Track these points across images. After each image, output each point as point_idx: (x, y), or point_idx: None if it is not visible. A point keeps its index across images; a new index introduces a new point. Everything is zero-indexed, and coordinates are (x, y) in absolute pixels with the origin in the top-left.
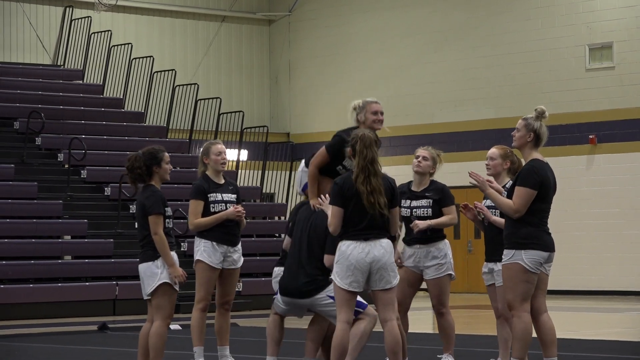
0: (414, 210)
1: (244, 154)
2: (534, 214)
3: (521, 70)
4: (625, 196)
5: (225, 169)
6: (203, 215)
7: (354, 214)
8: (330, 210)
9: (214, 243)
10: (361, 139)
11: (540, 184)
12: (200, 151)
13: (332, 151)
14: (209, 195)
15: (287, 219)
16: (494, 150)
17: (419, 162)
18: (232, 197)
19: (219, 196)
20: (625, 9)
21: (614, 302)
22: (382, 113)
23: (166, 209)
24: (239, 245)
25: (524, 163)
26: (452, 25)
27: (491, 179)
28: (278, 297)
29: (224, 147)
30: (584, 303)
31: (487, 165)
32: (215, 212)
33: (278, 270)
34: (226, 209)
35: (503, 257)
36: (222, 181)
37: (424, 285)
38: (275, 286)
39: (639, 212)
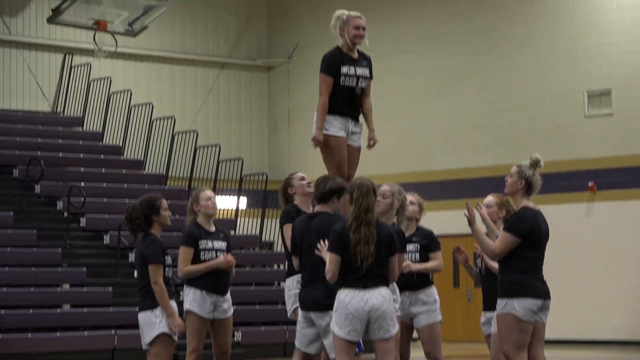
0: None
1: (243, 202)
2: (524, 261)
3: (520, 116)
4: (625, 243)
5: (216, 214)
6: (193, 263)
7: (352, 262)
8: (328, 257)
9: (204, 292)
10: (359, 186)
11: (529, 232)
12: (189, 200)
13: (327, 68)
14: (199, 242)
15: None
16: (490, 198)
17: (407, 207)
18: (223, 245)
19: (209, 244)
20: (624, 55)
21: (615, 351)
22: (364, 28)
23: (166, 257)
24: (229, 295)
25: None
26: (451, 70)
27: (484, 213)
28: (298, 322)
29: (212, 192)
30: (583, 353)
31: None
32: (205, 260)
33: (289, 282)
34: (216, 257)
35: (497, 306)
36: (213, 228)
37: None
38: (289, 301)
39: (638, 259)
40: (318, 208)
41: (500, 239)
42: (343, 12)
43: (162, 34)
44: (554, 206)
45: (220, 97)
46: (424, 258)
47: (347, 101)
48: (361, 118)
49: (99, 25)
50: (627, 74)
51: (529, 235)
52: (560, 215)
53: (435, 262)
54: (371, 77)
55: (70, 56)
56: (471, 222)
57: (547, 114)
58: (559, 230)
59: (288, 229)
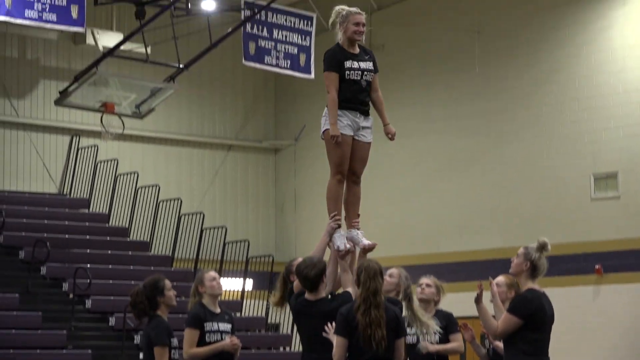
0: (420, 337)
1: (249, 284)
2: (529, 344)
3: (527, 199)
4: (632, 327)
5: (222, 294)
6: (198, 345)
7: (358, 345)
8: (335, 340)
9: None
10: (366, 269)
11: (532, 315)
12: (193, 283)
13: (330, 64)
14: (205, 324)
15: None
16: (500, 278)
17: (423, 289)
18: (228, 327)
19: (215, 326)
20: (629, 138)
21: None
22: (364, 25)
23: (172, 339)
24: None
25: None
26: (459, 153)
27: (496, 291)
28: None
29: (216, 273)
30: None
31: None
32: (210, 342)
33: None
34: (222, 339)
35: None
36: (218, 310)
37: None
38: None
39: None
40: (312, 296)
41: (502, 320)
42: (343, 8)
43: (169, 116)
44: (561, 289)
45: (227, 179)
46: (443, 340)
47: (354, 95)
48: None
49: (106, 108)
50: (633, 157)
51: (532, 318)
52: (568, 298)
53: (455, 343)
54: (376, 70)
55: (78, 138)
56: (478, 300)
57: (554, 196)
58: (566, 313)
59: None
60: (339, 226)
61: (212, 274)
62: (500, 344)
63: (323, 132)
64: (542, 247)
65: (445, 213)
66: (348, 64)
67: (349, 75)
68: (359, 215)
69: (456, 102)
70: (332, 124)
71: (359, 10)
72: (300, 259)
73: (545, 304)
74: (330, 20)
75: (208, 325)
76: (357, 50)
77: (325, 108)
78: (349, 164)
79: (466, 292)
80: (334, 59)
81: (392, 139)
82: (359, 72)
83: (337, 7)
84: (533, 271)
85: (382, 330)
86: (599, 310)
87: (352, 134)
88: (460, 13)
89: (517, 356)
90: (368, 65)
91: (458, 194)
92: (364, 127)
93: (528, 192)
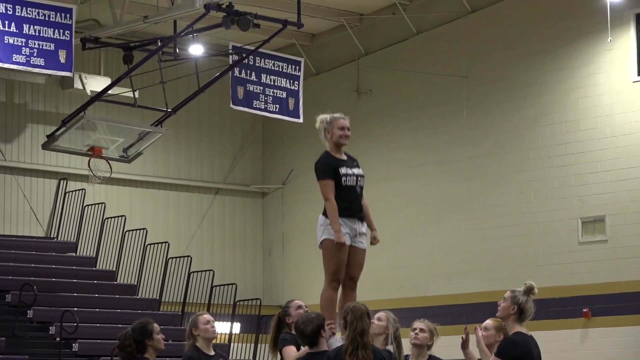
0: None
1: (236, 327)
2: None
3: (514, 242)
4: None
5: (215, 338)
6: None
7: None
8: None
9: None
10: (352, 310)
11: (519, 358)
12: (187, 326)
13: (326, 172)
14: None
15: None
16: (488, 322)
17: (417, 334)
18: None
19: None
20: (617, 182)
21: None
22: (348, 129)
23: None
24: None
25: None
26: (447, 197)
27: (480, 336)
28: None
29: (210, 316)
30: None
31: (478, 334)
32: None
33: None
34: None
35: None
36: (213, 352)
37: None
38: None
39: None
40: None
41: None
42: (326, 116)
43: (156, 160)
44: (549, 332)
45: (214, 222)
46: None
47: (351, 202)
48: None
49: (94, 152)
50: (620, 201)
51: None
52: (555, 341)
53: None
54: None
55: (65, 182)
56: (464, 345)
57: (542, 240)
58: (554, 357)
59: (290, 350)
60: (334, 334)
61: (207, 317)
62: None
63: (321, 242)
64: (529, 291)
65: (433, 257)
66: (343, 170)
67: (346, 181)
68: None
69: (444, 146)
70: (337, 231)
71: (342, 115)
72: (297, 301)
73: (533, 348)
74: (316, 126)
75: None
76: (344, 157)
77: (321, 217)
78: (345, 270)
79: (453, 335)
80: (328, 166)
81: (374, 244)
82: (354, 177)
83: (320, 116)
84: (520, 314)
85: None
86: (586, 354)
87: (349, 242)
88: (447, 58)
89: None
90: (359, 171)
91: (446, 237)
92: (360, 234)
93: (516, 236)
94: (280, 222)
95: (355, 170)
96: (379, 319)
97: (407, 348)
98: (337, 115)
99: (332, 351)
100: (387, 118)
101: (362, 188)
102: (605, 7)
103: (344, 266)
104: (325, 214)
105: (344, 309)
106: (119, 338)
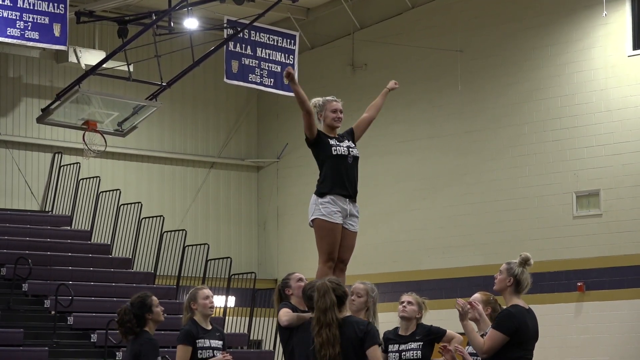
0: (403, 353)
1: (231, 301)
2: None
3: (509, 217)
4: (615, 344)
5: (213, 313)
6: None
7: None
8: None
9: None
10: (317, 288)
11: (516, 331)
12: (186, 298)
13: (313, 143)
14: (197, 341)
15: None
16: (477, 296)
17: (404, 307)
18: (219, 343)
19: (206, 342)
20: (611, 157)
21: None
22: (341, 111)
23: (158, 358)
24: None
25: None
26: (441, 171)
27: (477, 306)
28: None
29: (210, 291)
30: None
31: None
32: (202, 359)
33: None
34: (213, 355)
35: None
36: (210, 327)
37: None
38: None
39: (628, 359)
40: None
41: (488, 337)
42: (318, 100)
43: (151, 134)
44: (543, 306)
45: (209, 197)
46: (427, 355)
47: (342, 175)
48: (359, 199)
49: (89, 125)
50: (615, 176)
51: (516, 334)
52: (549, 315)
53: (455, 338)
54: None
55: (60, 155)
56: (463, 317)
57: (536, 214)
58: (548, 330)
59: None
60: None
61: (206, 292)
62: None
63: (312, 220)
64: (524, 262)
65: (428, 231)
66: (333, 142)
67: (336, 150)
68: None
69: (438, 120)
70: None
71: (335, 98)
72: (297, 274)
73: (529, 321)
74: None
75: (200, 342)
76: (336, 134)
77: (313, 196)
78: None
79: (447, 309)
80: (320, 135)
81: (395, 84)
82: (345, 148)
83: (313, 99)
84: (517, 286)
85: (336, 349)
86: (581, 328)
87: (341, 221)
88: (442, 32)
89: None
90: (350, 143)
91: (440, 212)
92: (351, 215)
93: (510, 210)
94: (275, 196)
95: (346, 143)
96: (358, 295)
97: (396, 321)
98: (329, 98)
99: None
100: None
101: (355, 158)
102: None
103: (337, 245)
104: (318, 194)
105: (308, 289)
106: (119, 313)
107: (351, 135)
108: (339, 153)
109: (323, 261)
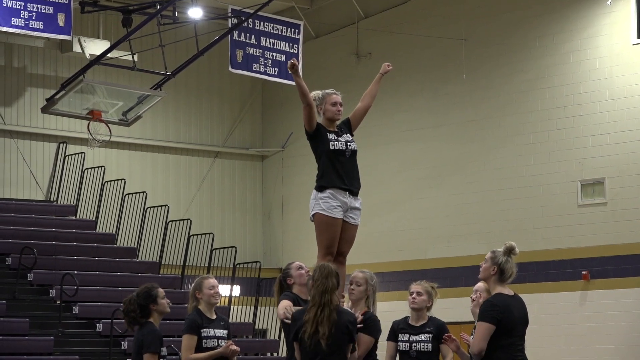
0: (414, 344)
1: (236, 290)
2: (501, 350)
3: (513, 205)
4: (619, 332)
5: (218, 303)
6: (195, 351)
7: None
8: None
9: None
10: (320, 268)
11: (500, 319)
12: (192, 286)
13: (312, 137)
14: (201, 331)
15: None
16: (480, 284)
17: (414, 298)
18: (224, 332)
19: (211, 332)
20: (616, 145)
21: None
22: (340, 104)
23: (162, 348)
24: None
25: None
26: (446, 160)
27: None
28: None
29: (216, 281)
30: None
31: (472, 297)
32: (207, 348)
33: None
34: (218, 345)
35: None
36: (214, 316)
37: None
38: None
39: (633, 348)
40: None
41: (476, 333)
42: (318, 93)
43: (156, 123)
44: (548, 294)
45: (214, 186)
46: (435, 348)
47: (340, 170)
48: (364, 187)
49: (93, 115)
50: (620, 164)
51: (501, 322)
52: (554, 304)
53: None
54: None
55: (65, 145)
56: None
57: (541, 203)
58: (553, 319)
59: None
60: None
61: (212, 282)
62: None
63: (313, 215)
64: (509, 251)
65: (433, 219)
66: (332, 136)
67: (334, 145)
68: (343, 296)
69: (443, 109)
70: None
71: (334, 91)
72: (297, 262)
73: (514, 308)
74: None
75: (205, 332)
76: (335, 129)
77: (314, 192)
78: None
79: (452, 298)
80: (321, 127)
81: (389, 66)
82: (343, 143)
83: (313, 92)
84: (501, 275)
85: (325, 329)
86: (585, 316)
87: (341, 216)
88: (447, 21)
89: None
90: (348, 136)
91: (445, 200)
92: (352, 208)
93: (515, 199)
94: (279, 185)
95: (345, 137)
96: (357, 284)
97: (406, 311)
98: (329, 91)
99: (296, 312)
100: (386, 81)
101: (353, 152)
102: None
103: (337, 240)
104: (318, 188)
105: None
106: (124, 303)
107: (348, 126)
108: (336, 148)
109: (322, 255)
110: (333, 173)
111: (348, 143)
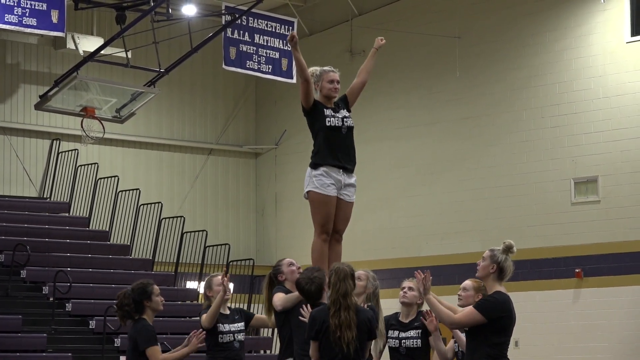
0: (403, 341)
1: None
2: (494, 347)
3: (507, 203)
4: (612, 330)
5: (230, 299)
6: (210, 346)
7: (327, 347)
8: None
9: None
10: (336, 271)
11: (498, 318)
12: (203, 286)
13: (309, 112)
14: (217, 325)
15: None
16: (468, 282)
17: (405, 293)
18: (239, 325)
19: (226, 327)
20: (610, 143)
21: None
22: (338, 82)
23: (157, 344)
24: None
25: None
26: (440, 157)
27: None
28: None
29: (224, 278)
30: None
31: (459, 295)
32: (223, 343)
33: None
34: (234, 339)
35: None
36: (228, 311)
37: None
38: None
39: (626, 346)
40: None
41: (466, 313)
42: (316, 69)
43: (149, 120)
44: (542, 292)
45: (207, 183)
46: (425, 343)
47: (335, 147)
48: (356, 169)
49: (87, 112)
50: (613, 162)
51: (500, 321)
52: (548, 301)
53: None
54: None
55: (58, 142)
56: (426, 291)
57: (534, 201)
58: (547, 317)
59: (280, 294)
60: None
61: (219, 279)
62: (462, 337)
63: (307, 192)
64: (507, 249)
65: (426, 217)
66: (328, 112)
67: (330, 121)
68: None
69: (437, 106)
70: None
71: (332, 68)
72: (288, 259)
73: (512, 308)
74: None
75: (220, 327)
76: (332, 105)
77: (309, 169)
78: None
79: (445, 295)
80: (318, 103)
81: (382, 40)
82: (340, 119)
83: (311, 69)
84: (500, 274)
85: (352, 332)
86: (579, 314)
87: (335, 194)
88: (441, 18)
89: (482, 359)
90: (345, 112)
91: (439, 198)
92: (347, 185)
93: (508, 197)
94: (273, 183)
95: (342, 113)
96: (358, 278)
97: (397, 307)
98: (326, 68)
99: (316, 311)
100: (380, 79)
101: (349, 129)
102: None
103: (332, 218)
104: (312, 165)
105: (329, 271)
106: (118, 297)
107: (345, 102)
108: (332, 124)
109: (317, 233)
110: (327, 150)
111: (345, 119)
